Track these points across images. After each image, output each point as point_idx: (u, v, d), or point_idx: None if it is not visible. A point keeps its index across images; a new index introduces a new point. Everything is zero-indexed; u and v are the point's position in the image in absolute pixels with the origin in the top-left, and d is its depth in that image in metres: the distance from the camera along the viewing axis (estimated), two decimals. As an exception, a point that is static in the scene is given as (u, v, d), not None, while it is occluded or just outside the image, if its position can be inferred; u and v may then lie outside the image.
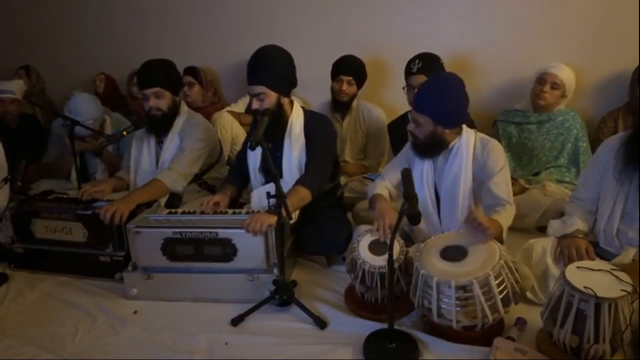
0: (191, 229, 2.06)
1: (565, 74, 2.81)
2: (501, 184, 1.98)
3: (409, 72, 2.58)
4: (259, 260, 2.05)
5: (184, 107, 2.69)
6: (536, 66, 2.91)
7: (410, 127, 2.04)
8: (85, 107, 2.88)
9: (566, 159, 2.81)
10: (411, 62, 2.59)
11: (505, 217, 1.90)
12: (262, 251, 2.04)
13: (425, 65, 2.51)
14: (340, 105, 3.20)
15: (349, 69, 3.10)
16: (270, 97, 2.22)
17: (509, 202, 1.95)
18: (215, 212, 2.22)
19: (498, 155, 2.02)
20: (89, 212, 2.25)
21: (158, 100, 2.52)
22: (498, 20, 3.16)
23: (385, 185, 2.20)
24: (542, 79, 2.83)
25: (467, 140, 2.04)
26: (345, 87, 3.11)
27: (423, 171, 2.11)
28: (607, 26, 2.96)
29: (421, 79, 2.50)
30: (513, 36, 3.14)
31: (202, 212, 2.21)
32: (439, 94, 1.95)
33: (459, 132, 2.05)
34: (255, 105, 2.23)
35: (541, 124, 2.87)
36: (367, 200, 2.22)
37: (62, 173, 3.13)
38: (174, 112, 2.61)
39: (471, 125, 2.20)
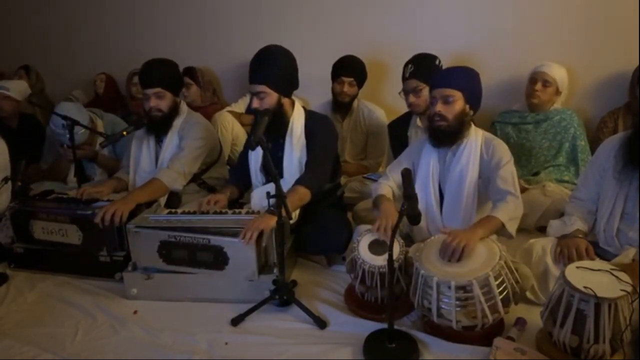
0: (185, 233, 2.04)
1: (556, 71, 2.82)
2: (507, 177, 1.99)
3: (403, 76, 2.57)
4: (250, 271, 2.01)
5: (183, 107, 2.69)
6: (534, 67, 2.90)
7: (437, 108, 2.01)
8: (71, 115, 2.74)
9: (564, 157, 2.81)
10: (405, 66, 2.56)
11: (505, 210, 1.90)
12: (253, 262, 1.99)
13: (417, 69, 2.49)
14: (341, 105, 3.20)
15: (350, 70, 3.09)
16: (271, 97, 2.22)
17: (510, 193, 1.95)
18: (215, 212, 2.21)
19: (503, 151, 2.05)
20: (89, 212, 2.24)
21: (159, 100, 2.52)
22: (497, 21, 3.16)
23: (389, 185, 2.21)
24: (533, 78, 2.86)
25: (476, 137, 2.08)
26: (346, 88, 3.11)
27: (430, 168, 2.12)
28: (607, 26, 2.96)
29: (414, 83, 2.49)
30: (511, 37, 3.14)
31: (202, 212, 2.21)
32: (470, 72, 2.07)
33: (469, 128, 2.07)
34: (255, 104, 2.23)
35: (538, 123, 2.87)
36: (372, 200, 2.22)
37: (58, 178, 3.11)
38: (174, 112, 2.61)
39: None
